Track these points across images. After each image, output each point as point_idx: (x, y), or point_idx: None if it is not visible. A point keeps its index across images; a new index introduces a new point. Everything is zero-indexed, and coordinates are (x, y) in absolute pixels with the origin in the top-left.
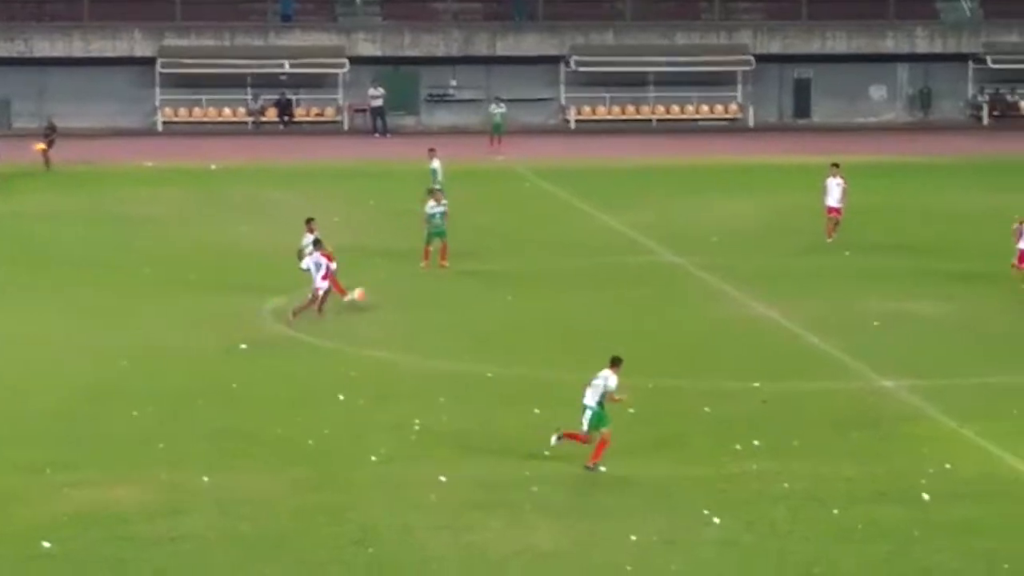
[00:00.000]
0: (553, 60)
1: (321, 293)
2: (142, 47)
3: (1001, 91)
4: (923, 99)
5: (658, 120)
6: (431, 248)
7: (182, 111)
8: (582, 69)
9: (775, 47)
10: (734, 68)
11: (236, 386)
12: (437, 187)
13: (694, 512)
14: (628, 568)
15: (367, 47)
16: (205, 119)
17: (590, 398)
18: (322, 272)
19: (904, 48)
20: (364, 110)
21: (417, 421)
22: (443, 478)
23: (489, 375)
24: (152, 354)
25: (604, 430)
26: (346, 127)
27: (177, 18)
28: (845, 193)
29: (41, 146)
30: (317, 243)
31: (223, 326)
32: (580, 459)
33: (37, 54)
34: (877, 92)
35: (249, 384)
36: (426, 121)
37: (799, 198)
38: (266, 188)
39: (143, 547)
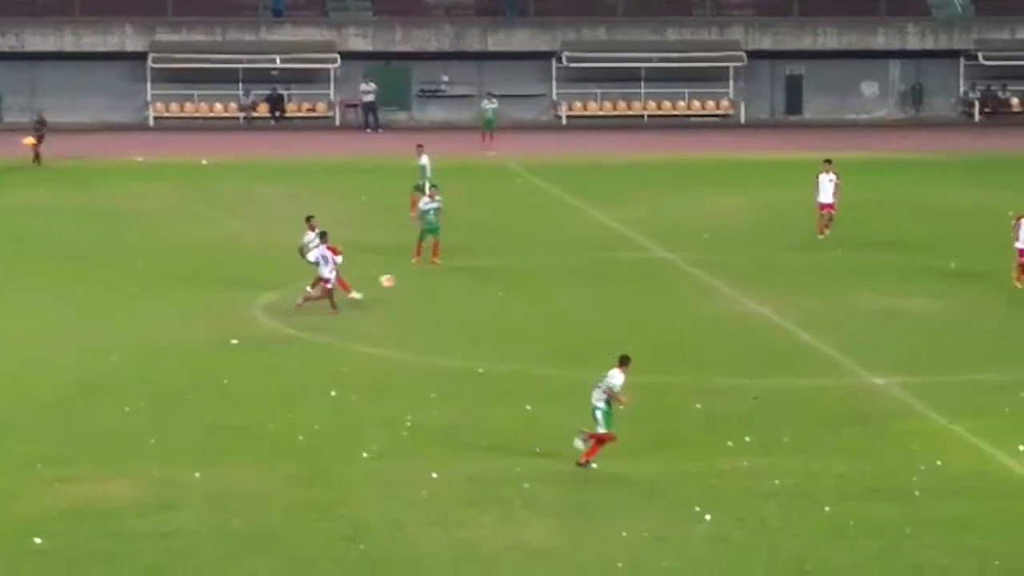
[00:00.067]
0: (545, 56)
1: (330, 287)
2: (133, 42)
3: (992, 88)
4: (915, 96)
5: (650, 116)
6: (423, 244)
7: (173, 106)
8: (574, 65)
9: (767, 43)
10: (726, 64)
11: (228, 381)
12: (426, 182)
13: (685, 508)
14: (619, 565)
15: (358, 42)
16: (196, 114)
17: (597, 398)
18: (329, 265)
19: (896, 44)
20: (356, 105)
21: (409, 417)
22: (435, 474)
23: (481, 371)
24: (143, 349)
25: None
26: (338, 122)
27: (169, 13)
28: (838, 189)
29: (31, 140)
30: (323, 236)
31: (215, 321)
32: (571, 456)
33: (28, 48)
34: (869, 88)
35: (241, 379)
36: (418, 116)
37: (790, 194)
38: (257, 183)
39: (135, 542)
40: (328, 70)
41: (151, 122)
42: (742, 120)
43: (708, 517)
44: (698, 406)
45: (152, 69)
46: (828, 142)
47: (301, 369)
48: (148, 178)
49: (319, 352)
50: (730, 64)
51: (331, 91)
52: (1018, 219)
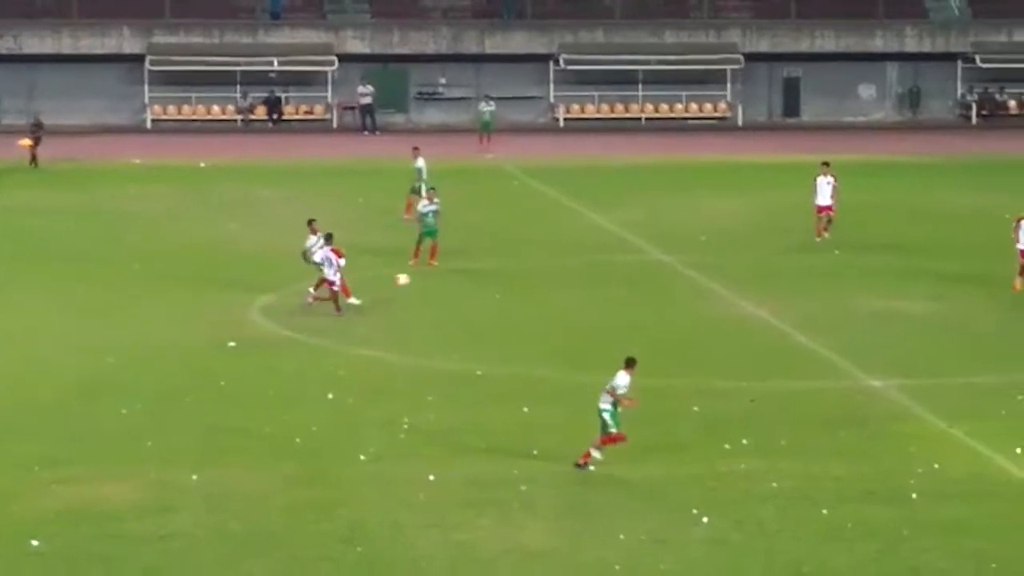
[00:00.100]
0: (542, 58)
1: (336, 288)
2: (131, 44)
3: (990, 90)
4: (912, 98)
5: (647, 119)
6: (421, 247)
7: (171, 108)
8: (571, 67)
9: (764, 46)
10: (723, 67)
11: (225, 383)
12: (423, 185)
13: (683, 511)
14: (617, 567)
15: (356, 45)
16: (194, 117)
17: (603, 401)
18: (333, 267)
19: (893, 47)
20: (353, 108)
21: (406, 419)
22: (432, 476)
23: (478, 373)
24: (141, 350)
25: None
26: (335, 125)
27: (166, 15)
28: (836, 191)
29: (27, 142)
30: (329, 238)
31: (213, 323)
32: (569, 458)
33: (26, 50)
34: (866, 91)
35: (238, 381)
36: (415, 119)
37: (788, 197)
38: (255, 186)
39: (132, 545)
40: (325, 72)
41: (149, 124)
42: (739, 123)
43: (706, 519)
44: (696, 408)
45: (149, 71)
46: (826, 144)
47: (299, 371)
48: (146, 180)
49: (317, 354)
50: (727, 67)
51: (328, 93)
52: (1018, 220)
